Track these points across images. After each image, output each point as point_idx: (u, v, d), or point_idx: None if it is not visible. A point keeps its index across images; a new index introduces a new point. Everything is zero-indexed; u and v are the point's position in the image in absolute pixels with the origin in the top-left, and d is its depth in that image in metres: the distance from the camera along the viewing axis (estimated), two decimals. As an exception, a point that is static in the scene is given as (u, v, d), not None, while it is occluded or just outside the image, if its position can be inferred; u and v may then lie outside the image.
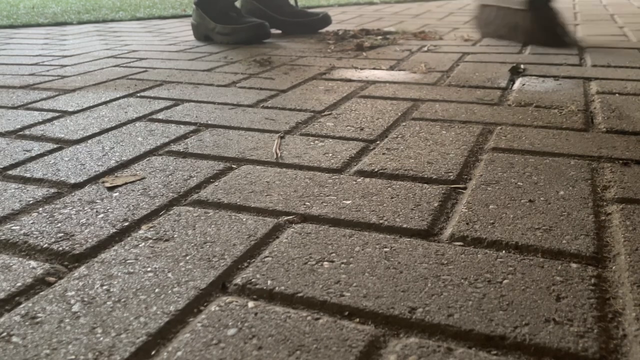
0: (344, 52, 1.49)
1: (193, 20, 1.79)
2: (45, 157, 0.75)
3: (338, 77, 1.19)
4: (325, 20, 1.88)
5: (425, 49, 1.51)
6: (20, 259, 0.50)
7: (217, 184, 0.64)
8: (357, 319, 0.40)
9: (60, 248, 0.51)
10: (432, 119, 0.86)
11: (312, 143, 0.77)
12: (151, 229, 0.54)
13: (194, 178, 0.66)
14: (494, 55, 1.37)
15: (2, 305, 0.43)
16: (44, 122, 0.92)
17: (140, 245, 0.51)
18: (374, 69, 1.27)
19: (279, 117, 0.90)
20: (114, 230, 0.54)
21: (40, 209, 0.59)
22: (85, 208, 0.59)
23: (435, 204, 0.58)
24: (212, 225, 0.55)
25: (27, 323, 0.41)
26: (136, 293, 0.44)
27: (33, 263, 0.49)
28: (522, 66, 1.21)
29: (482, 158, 0.70)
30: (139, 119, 0.92)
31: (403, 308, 0.41)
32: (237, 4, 1.81)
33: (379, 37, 1.72)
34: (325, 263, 0.47)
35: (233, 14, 1.67)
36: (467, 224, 0.53)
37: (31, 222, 0.56)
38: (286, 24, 1.86)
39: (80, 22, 2.48)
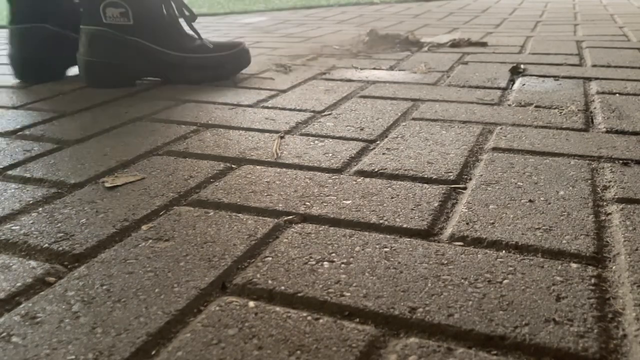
0: (344, 52, 1.49)
1: (89, 56, 1.12)
2: (45, 157, 0.75)
3: (338, 77, 1.19)
4: (237, 59, 1.21)
5: (426, 49, 1.51)
6: (20, 259, 0.50)
7: (217, 184, 0.64)
8: (357, 319, 0.40)
9: (60, 248, 0.51)
10: (432, 119, 0.86)
11: (312, 143, 0.77)
12: (151, 229, 0.54)
13: (194, 178, 0.66)
14: (494, 55, 1.38)
15: (2, 305, 0.43)
16: (44, 122, 0.92)
17: (140, 245, 0.51)
18: (374, 68, 1.27)
19: (279, 117, 0.90)
20: (114, 230, 0.54)
21: (40, 209, 0.59)
22: (85, 208, 0.59)
23: (435, 204, 0.58)
24: (212, 225, 0.55)
25: (27, 323, 0.41)
26: (136, 293, 0.44)
27: (33, 263, 0.49)
28: (522, 66, 1.21)
29: (482, 158, 0.70)
30: (139, 118, 0.92)
31: (403, 308, 0.41)
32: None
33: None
34: (325, 263, 0.47)
35: (197, 38, 1.18)
36: (467, 224, 0.53)
37: (31, 222, 0.56)
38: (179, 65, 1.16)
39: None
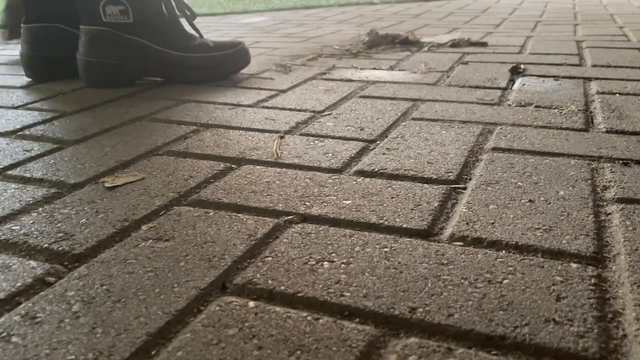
0: (344, 52, 1.49)
1: (89, 56, 1.12)
2: (45, 157, 0.75)
3: (338, 77, 1.19)
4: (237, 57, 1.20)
5: (426, 49, 1.51)
6: (20, 259, 0.50)
7: (217, 184, 0.64)
8: (357, 319, 0.40)
9: (60, 248, 0.51)
10: (432, 119, 0.86)
11: (312, 143, 0.77)
12: (151, 229, 0.54)
13: (194, 178, 0.66)
14: (494, 55, 1.38)
15: (2, 305, 0.43)
16: (44, 122, 0.92)
17: (140, 245, 0.51)
18: (374, 68, 1.27)
19: (279, 117, 0.90)
20: (114, 230, 0.54)
21: (40, 209, 0.59)
22: (85, 208, 0.59)
23: (435, 204, 0.58)
24: (212, 225, 0.55)
25: (27, 323, 0.41)
26: (136, 293, 0.44)
27: (33, 263, 0.49)
28: (522, 66, 1.21)
29: (482, 158, 0.70)
30: (139, 118, 0.92)
31: (403, 308, 0.41)
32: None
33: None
34: (325, 263, 0.47)
35: (195, 36, 1.18)
36: (467, 224, 0.53)
37: (31, 222, 0.56)
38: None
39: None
